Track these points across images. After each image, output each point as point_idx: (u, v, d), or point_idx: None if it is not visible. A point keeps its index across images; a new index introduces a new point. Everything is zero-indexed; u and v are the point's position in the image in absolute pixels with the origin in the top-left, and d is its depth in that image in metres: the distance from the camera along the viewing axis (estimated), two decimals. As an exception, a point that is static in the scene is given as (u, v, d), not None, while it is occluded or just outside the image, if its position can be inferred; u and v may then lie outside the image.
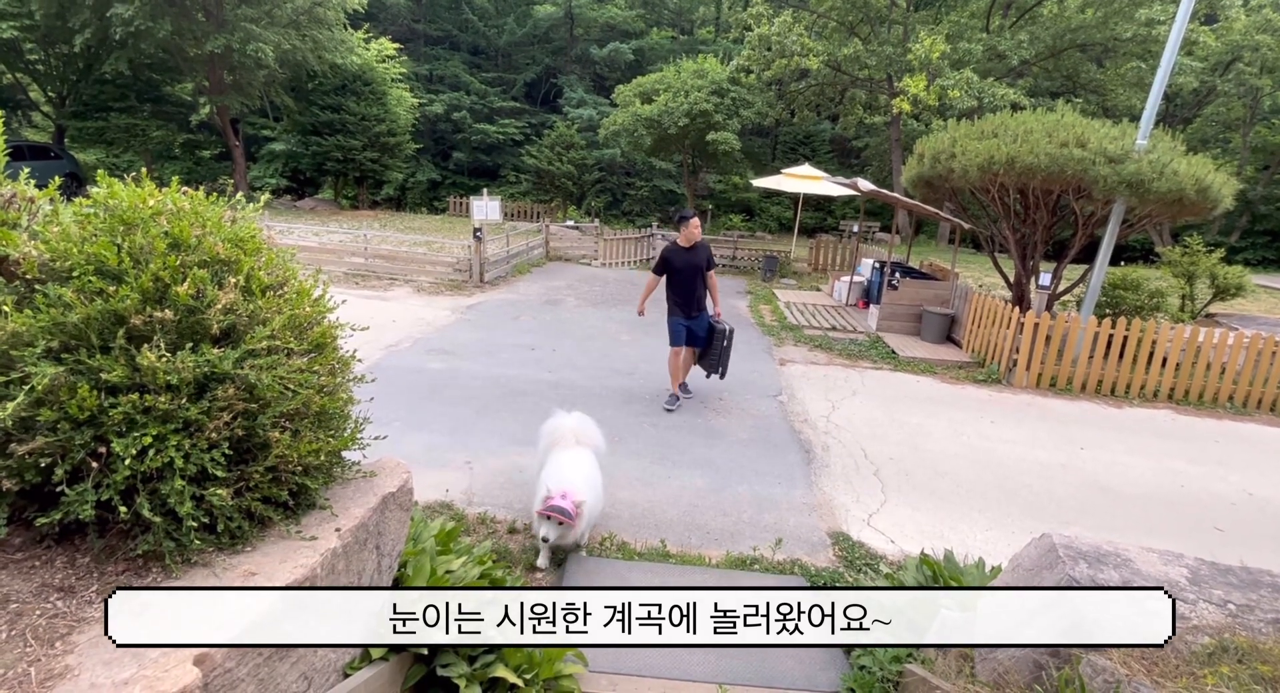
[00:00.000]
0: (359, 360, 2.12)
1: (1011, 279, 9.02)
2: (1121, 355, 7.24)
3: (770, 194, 24.38)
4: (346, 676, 1.80)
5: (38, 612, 1.39)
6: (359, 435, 2.06)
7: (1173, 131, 7.80)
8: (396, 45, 23.12)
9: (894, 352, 8.22)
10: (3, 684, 1.20)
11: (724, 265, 15.31)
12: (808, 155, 25.93)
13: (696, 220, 5.76)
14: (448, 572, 2.25)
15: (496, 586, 2.41)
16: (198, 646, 1.31)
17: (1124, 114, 17.73)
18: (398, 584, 2.11)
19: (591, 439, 3.71)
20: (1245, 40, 18.73)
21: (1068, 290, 9.05)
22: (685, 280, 5.77)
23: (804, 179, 14.76)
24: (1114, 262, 9.31)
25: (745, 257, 15.45)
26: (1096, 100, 20.29)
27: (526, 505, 3.98)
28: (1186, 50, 18.00)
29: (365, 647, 1.91)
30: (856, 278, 11.28)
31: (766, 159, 25.77)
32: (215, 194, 1.94)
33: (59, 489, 1.45)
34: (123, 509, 1.46)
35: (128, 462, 1.44)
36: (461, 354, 7.00)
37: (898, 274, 9.59)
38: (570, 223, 17.69)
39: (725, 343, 5.90)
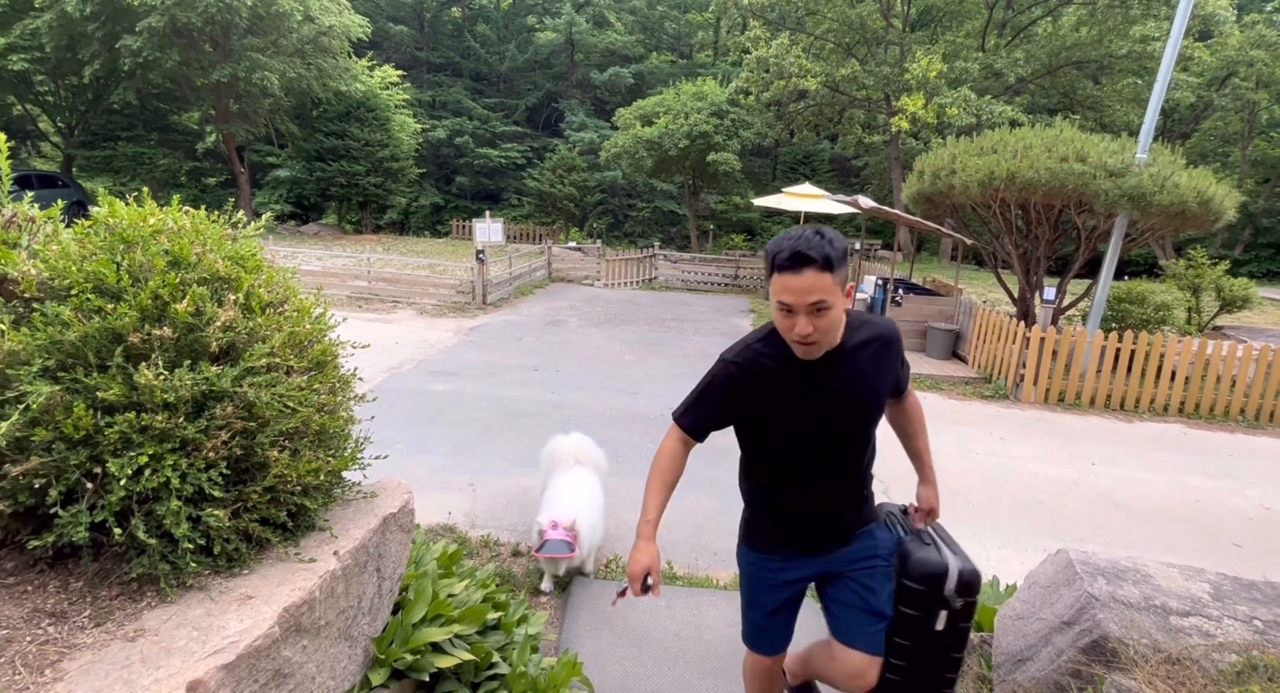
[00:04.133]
0: (360, 379, 2.10)
1: (1015, 294, 9.00)
2: (1130, 369, 7.17)
3: (771, 213, 24.51)
4: (346, 703, 1.75)
5: (28, 638, 1.35)
6: (359, 455, 2.03)
7: (1171, 146, 7.83)
8: (400, 72, 23.51)
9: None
10: (-12, 715, 1.16)
11: (726, 284, 15.34)
12: (808, 174, 26.12)
13: (822, 276, 1.54)
14: (450, 595, 2.19)
15: (500, 609, 2.35)
16: (191, 672, 1.27)
17: (1122, 129, 17.84)
18: (399, 608, 2.06)
19: (592, 458, 3.61)
20: (1240, 55, 18.91)
21: (1073, 305, 9.02)
22: (805, 454, 1.80)
23: (805, 198, 14.83)
24: (1118, 276, 9.30)
25: (748, 275, 15.48)
26: (1094, 116, 20.44)
27: (530, 528, 3.93)
28: (1182, 66, 18.17)
29: (366, 674, 1.85)
30: (860, 295, 11.26)
31: (767, 179, 25.96)
32: (216, 213, 1.94)
33: (53, 511, 1.42)
34: (117, 531, 1.43)
35: (123, 482, 1.41)
36: (464, 376, 6.97)
37: (901, 291, 9.58)
38: (572, 244, 17.78)
39: (954, 623, 1.90)
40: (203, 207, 1.92)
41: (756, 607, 1.99)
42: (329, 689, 1.67)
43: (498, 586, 2.63)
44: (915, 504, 2.11)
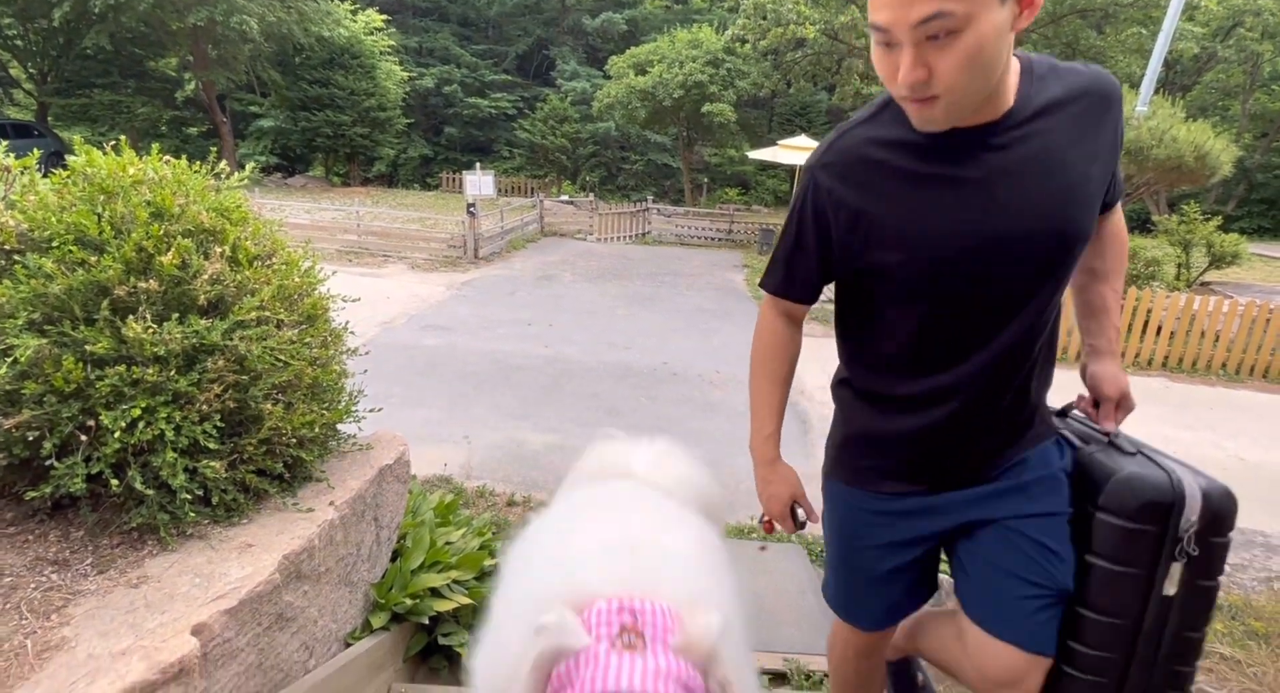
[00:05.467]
0: (353, 333, 2.09)
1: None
2: (1118, 324, 7.24)
3: (766, 167, 24.15)
4: (348, 645, 1.81)
5: (32, 585, 1.38)
6: (354, 408, 2.05)
7: (1172, 99, 7.72)
8: (384, 17, 22.63)
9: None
10: (0, 655, 1.20)
11: (720, 239, 15.24)
12: (804, 126, 25.62)
13: None
14: (447, 543, 2.25)
15: (497, 556, 2.42)
16: (195, 616, 1.31)
17: (1124, 81, 17.49)
18: (397, 556, 2.11)
19: (696, 488, 1.44)
20: (1247, 4, 18.44)
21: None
22: (947, 312, 1.09)
23: (800, 150, 14.60)
24: (1111, 231, 9.27)
25: (742, 230, 15.36)
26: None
27: (525, 478, 3.99)
28: (1188, 15, 17.72)
29: (367, 617, 1.91)
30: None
31: (763, 131, 25.46)
32: (199, 164, 1.89)
33: (48, 463, 1.43)
34: (114, 482, 1.45)
35: (117, 435, 1.42)
36: (458, 330, 6.97)
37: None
38: (565, 198, 17.53)
39: (1192, 581, 1.09)
40: (184, 157, 1.87)
41: (854, 569, 1.32)
42: (331, 631, 1.73)
43: (494, 534, 2.69)
44: (1089, 394, 1.31)
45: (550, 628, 0.74)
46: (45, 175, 1.79)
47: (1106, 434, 1.23)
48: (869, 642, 1.38)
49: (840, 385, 1.35)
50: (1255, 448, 5.20)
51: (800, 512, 1.33)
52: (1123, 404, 1.27)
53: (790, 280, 1.23)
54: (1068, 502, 1.18)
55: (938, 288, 1.08)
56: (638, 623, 0.77)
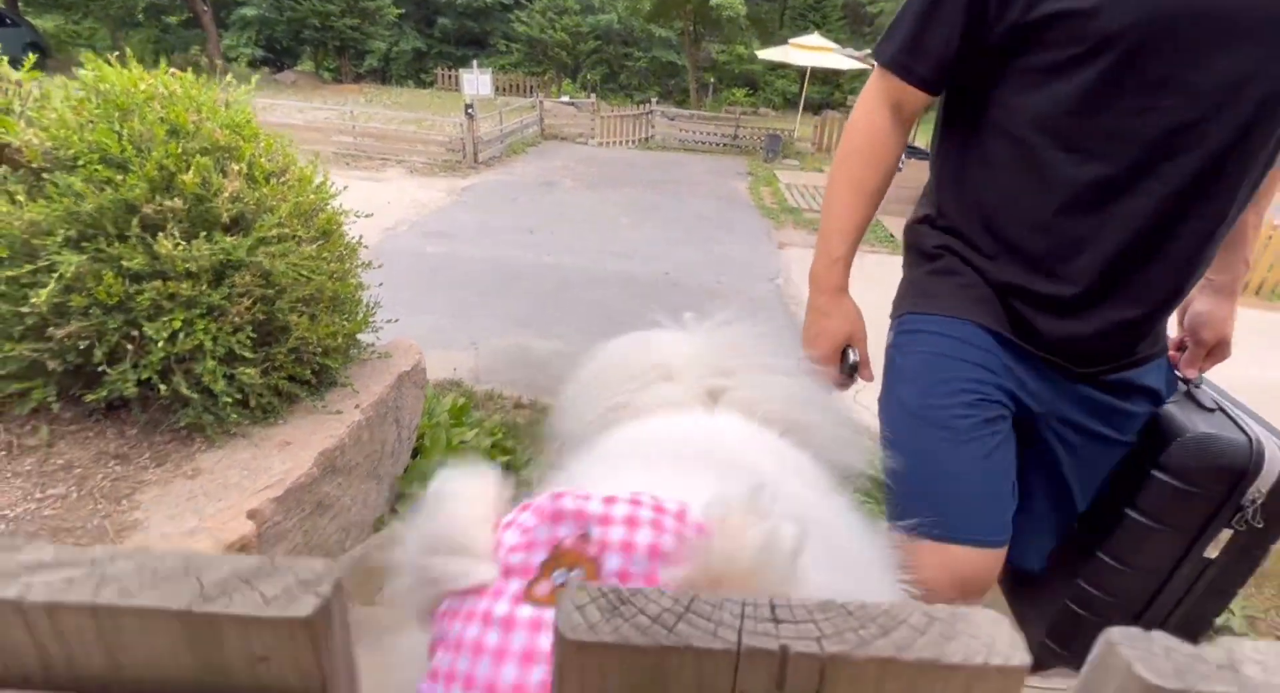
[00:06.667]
0: (365, 247, 2.18)
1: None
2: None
3: (775, 66, 22.99)
4: (378, 529, 2.03)
5: (100, 475, 1.55)
6: (371, 319, 2.17)
7: None
8: (367, -110, 20.80)
9: (893, 235, 8.19)
10: (85, 535, 1.38)
11: (725, 144, 14.81)
12: (818, 23, 24.18)
13: None
14: (462, 442, 2.44)
15: (507, 453, 2.62)
16: (249, 503, 1.49)
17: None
18: (417, 453, 2.30)
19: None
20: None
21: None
22: (1160, 119, 0.75)
23: (812, 51, 13.92)
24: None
25: (747, 135, 14.88)
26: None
27: (532, 382, 4.18)
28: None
29: (393, 506, 2.13)
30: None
31: (774, 27, 24.06)
32: (192, 68, 1.91)
33: (100, 370, 1.57)
34: (162, 387, 1.59)
35: (160, 344, 1.55)
36: (460, 237, 6.98)
37: (902, 156, 9.33)
38: (566, 99, 16.86)
39: (1245, 548, 1.00)
40: (171, 54, 1.88)
41: (934, 427, 0.95)
42: (363, 517, 1.94)
43: (504, 433, 2.89)
44: (1178, 335, 1.14)
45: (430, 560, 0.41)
46: (34, 69, 1.77)
47: (1186, 382, 1.06)
48: (983, 576, 0.92)
49: (921, 225, 1.09)
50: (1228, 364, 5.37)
51: (852, 353, 1.09)
52: (1216, 352, 1.10)
53: (916, 46, 0.89)
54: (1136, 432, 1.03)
55: (1128, 65, 0.72)
56: (588, 540, 0.39)
